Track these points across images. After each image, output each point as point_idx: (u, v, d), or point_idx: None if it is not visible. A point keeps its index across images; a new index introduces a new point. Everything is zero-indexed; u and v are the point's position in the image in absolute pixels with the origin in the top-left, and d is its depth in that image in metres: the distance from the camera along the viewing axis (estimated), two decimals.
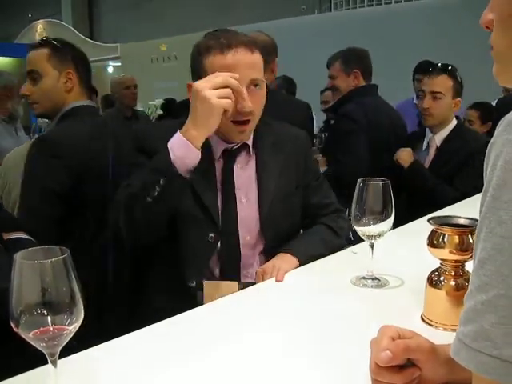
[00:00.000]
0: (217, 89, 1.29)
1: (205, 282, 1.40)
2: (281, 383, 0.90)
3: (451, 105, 2.60)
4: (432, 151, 2.67)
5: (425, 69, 3.98)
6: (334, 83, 2.94)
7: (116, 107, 4.33)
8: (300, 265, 1.45)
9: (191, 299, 1.40)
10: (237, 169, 1.52)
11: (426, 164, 2.67)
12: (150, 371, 0.93)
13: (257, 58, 1.43)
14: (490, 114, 3.56)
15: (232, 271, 1.48)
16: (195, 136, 1.32)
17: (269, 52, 2.41)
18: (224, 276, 1.47)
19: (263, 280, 1.38)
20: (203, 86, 1.30)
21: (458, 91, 2.60)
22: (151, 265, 1.53)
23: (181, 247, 1.44)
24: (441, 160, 2.62)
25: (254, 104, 1.40)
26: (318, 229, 1.61)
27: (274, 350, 1.01)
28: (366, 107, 2.64)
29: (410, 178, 2.57)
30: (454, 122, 2.66)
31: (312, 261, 1.49)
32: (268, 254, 1.51)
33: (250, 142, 1.54)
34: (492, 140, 0.57)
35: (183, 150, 1.31)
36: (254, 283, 1.40)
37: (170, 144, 1.32)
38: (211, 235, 1.45)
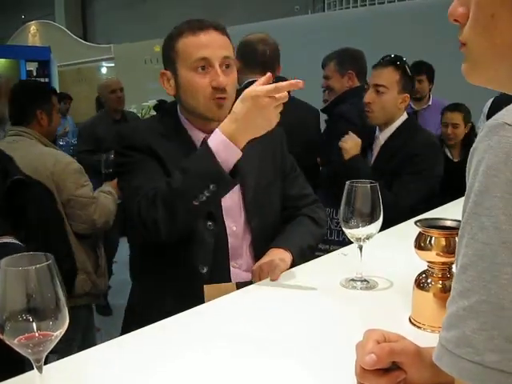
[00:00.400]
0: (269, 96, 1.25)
1: (205, 286, 1.41)
2: (267, 381, 0.90)
3: (397, 100, 2.34)
4: (376, 149, 2.46)
5: (413, 69, 4.00)
6: (328, 83, 2.95)
7: (105, 110, 4.34)
8: (293, 258, 1.46)
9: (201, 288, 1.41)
10: None
11: (370, 163, 2.47)
12: (138, 375, 0.93)
13: (227, 40, 1.47)
14: (470, 115, 3.56)
15: (221, 262, 1.47)
16: (241, 139, 1.29)
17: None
18: (214, 266, 1.46)
19: (260, 278, 1.40)
20: (260, 91, 1.25)
21: (405, 86, 2.34)
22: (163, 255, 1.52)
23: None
24: (383, 158, 2.40)
25: (227, 83, 1.43)
26: (302, 220, 1.62)
27: (262, 351, 1.01)
28: (361, 108, 2.64)
29: (344, 172, 2.31)
30: (403, 118, 2.40)
31: (303, 254, 1.50)
32: (256, 245, 1.52)
33: None
34: (474, 145, 0.57)
35: (229, 152, 1.29)
36: (250, 282, 1.42)
37: (212, 146, 1.29)
38: (209, 223, 1.45)
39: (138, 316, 1.47)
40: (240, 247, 1.52)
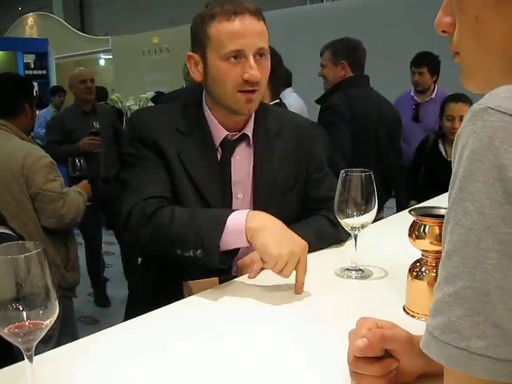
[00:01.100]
0: None
1: (184, 283, 1.35)
2: (262, 373, 0.90)
3: None
4: None
5: (414, 61, 3.97)
6: (323, 72, 2.95)
7: (74, 101, 4.30)
8: None
9: None
10: (235, 161, 1.46)
11: None
12: (127, 366, 0.93)
13: (263, 26, 1.37)
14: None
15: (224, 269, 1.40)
16: (254, 240, 1.22)
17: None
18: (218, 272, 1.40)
19: (242, 274, 1.36)
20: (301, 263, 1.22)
21: None
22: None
23: None
24: None
25: (261, 75, 1.35)
26: (315, 220, 1.54)
27: (257, 342, 1.01)
28: (351, 98, 2.63)
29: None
30: None
31: None
32: None
33: (249, 133, 1.48)
34: (458, 131, 0.57)
35: (236, 240, 1.23)
36: (235, 277, 1.37)
37: (228, 225, 1.22)
38: None
39: (142, 301, 1.44)
40: (243, 253, 1.43)
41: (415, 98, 4.02)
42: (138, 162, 1.41)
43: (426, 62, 3.91)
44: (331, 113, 2.66)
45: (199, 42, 1.38)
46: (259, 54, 1.35)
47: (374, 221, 1.49)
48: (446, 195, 1.86)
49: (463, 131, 0.54)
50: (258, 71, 1.33)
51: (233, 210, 1.27)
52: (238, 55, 1.33)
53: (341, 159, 2.37)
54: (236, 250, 1.28)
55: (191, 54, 1.41)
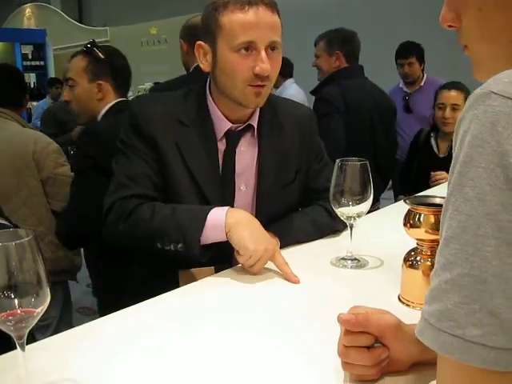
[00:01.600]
0: None
1: (180, 272, 1.37)
2: (255, 360, 0.90)
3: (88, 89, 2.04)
4: None
5: (401, 52, 3.92)
6: (317, 62, 2.93)
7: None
8: (281, 245, 1.39)
9: None
10: (239, 152, 1.44)
11: None
12: (120, 355, 0.93)
13: (277, 19, 1.33)
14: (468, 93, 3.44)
15: (224, 257, 1.39)
16: (231, 234, 1.26)
17: None
18: (216, 262, 1.39)
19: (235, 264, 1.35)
20: (276, 255, 1.28)
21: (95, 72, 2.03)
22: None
23: None
24: None
25: (272, 68, 1.33)
26: (312, 209, 1.54)
27: (251, 330, 1.01)
28: (345, 88, 2.61)
29: None
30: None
31: (297, 241, 1.47)
32: None
33: (255, 123, 1.46)
34: (460, 116, 0.56)
35: (216, 235, 1.26)
36: (231, 266, 1.36)
37: (209, 220, 1.26)
38: None
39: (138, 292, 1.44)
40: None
41: (404, 89, 3.98)
42: (127, 152, 1.40)
43: (415, 52, 3.86)
44: (325, 103, 2.65)
45: (210, 31, 1.34)
46: (271, 47, 1.32)
47: (371, 211, 1.50)
48: (436, 189, 1.85)
49: (465, 116, 0.53)
50: (269, 65, 1.31)
51: (213, 207, 1.29)
52: (250, 47, 1.30)
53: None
54: (215, 244, 1.29)
55: (200, 43, 1.38)
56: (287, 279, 1.24)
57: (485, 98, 0.51)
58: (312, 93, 2.89)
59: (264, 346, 0.95)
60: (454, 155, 0.55)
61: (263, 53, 1.30)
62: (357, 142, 2.62)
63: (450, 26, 0.67)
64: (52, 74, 8.98)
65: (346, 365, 0.82)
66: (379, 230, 1.53)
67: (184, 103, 1.44)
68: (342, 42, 2.83)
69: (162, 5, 12.18)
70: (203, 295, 1.19)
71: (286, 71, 4.69)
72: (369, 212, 1.35)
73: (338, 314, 0.82)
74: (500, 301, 0.48)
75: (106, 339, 0.98)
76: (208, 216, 1.27)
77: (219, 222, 1.26)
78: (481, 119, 0.51)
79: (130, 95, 6.02)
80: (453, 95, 2.96)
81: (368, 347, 0.80)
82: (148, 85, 6.59)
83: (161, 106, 1.44)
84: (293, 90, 4.67)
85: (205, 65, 1.39)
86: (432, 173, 2.76)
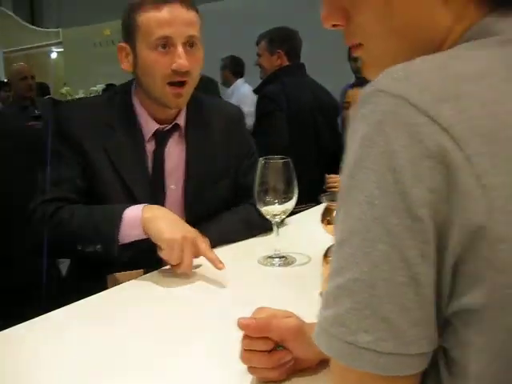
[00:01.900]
0: None
1: (108, 276, 1.33)
2: (167, 365, 0.88)
3: None
4: None
5: None
6: (259, 61, 2.95)
7: (13, 98, 4.24)
8: (212, 245, 1.35)
9: None
10: (168, 152, 1.46)
11: None
12: (72, 350, 0.92)
13: (194, 15, 1.36)
14: None
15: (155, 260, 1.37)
16: (149, 230, 1.25)
17: None
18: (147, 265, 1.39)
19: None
20: (199, 242, 1.25)
21: None
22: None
23: None
24: None
25: (191, 64, 1.34)
26: (244, 208, 1.53)
27: (167, 333, 0.99)
28: (286, 86, 2.63)
29: None
30: None
31: (228, 241, 1.45)
32: None
33: (182, 123, 1.47)
34: (352, 114, 0.54)
35: (134, 232, 1.26)
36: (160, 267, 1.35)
37: (127, 216, 1.26)
38: None
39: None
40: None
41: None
42: (53, 156, 1.39)
43: None
44: (267, 101, 2.67)
45: (128, 32, 1.37)
46: (189, 43, 1.34)
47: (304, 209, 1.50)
48: None
49: (355, 115, 0.51)
50: (186, 60, 1.32)
51: (130, 205, 1.29)
52: (167, 44, 1.32)
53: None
54: (135, 242, 1.28)
55: (121, 44, 1.40)
56: (213, 265, 1.23)
57: (371, 96, 0.49)
58: (255, 91, 2.90)
59: (179, 345, 0.94)
60: (344, 156, 0.54)
61: (180, 48, 1.31)
62: (300, 138, 2.63)
63: (334, 26, 0.63)
64: (2, 77, 8.76)
65: (249, 367, 0.81)
66: (309, 229, 1.53)
67: (110, 106, 1.45)
68: (283, 40, 2.85)
69: (115, 6, 12.02)
70: (125, 298, 1.17)
71: (237, 70, 4.68)
72: (302, 210, 1.35)
73: (238, 318, 0.81)
74: (390, 306, 0.47)
75: (56, 334, 0.95)
76: (124, 214, 1.26)
77: (135, 218, 1.25)
78: (368, 118, 0.49)
79: (83, 96, 5.92)
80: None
81: (269, 351, 0.80)
82: (100, 86, 6.51)
83: (87, 110, 1.45)
84: (245, 90, 4.65)
85: (127, 65, 1.42)
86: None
